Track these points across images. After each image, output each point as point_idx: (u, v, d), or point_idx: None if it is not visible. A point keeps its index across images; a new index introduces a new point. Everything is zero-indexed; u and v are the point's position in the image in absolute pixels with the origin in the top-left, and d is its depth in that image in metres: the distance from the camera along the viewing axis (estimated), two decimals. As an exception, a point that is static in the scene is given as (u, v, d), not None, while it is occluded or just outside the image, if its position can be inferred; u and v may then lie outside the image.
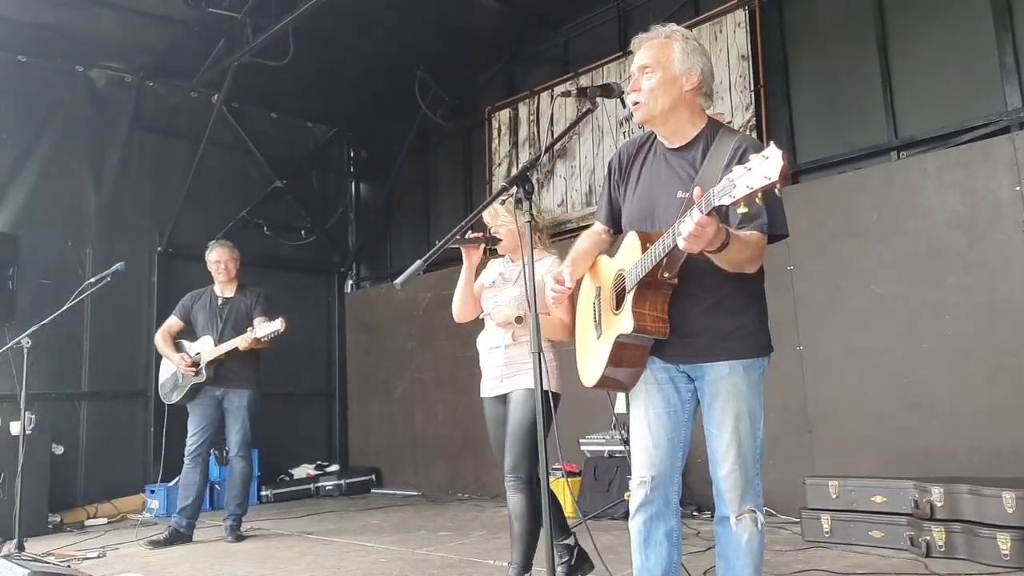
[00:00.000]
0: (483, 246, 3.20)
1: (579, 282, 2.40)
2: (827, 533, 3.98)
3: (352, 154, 8.87)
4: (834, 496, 4.01)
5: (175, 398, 5.02)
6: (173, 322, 5.18)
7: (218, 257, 5.19)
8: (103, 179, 6.75)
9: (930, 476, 3.81)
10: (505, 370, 3.17)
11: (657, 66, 2.21)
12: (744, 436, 2.17)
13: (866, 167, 4.87)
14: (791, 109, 5.25)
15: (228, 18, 6.01)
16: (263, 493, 6.98)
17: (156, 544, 4.73)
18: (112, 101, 6.87)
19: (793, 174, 5.20)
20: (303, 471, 7.45)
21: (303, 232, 8.13)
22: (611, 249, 2.36)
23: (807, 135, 5.20)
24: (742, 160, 1.80)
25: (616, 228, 2.41)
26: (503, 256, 3.35)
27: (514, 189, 2.17)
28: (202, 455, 5.00)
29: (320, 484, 7.34)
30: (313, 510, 6.33)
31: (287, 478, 7.36)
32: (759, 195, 1.67)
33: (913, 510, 3.68)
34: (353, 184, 8.81)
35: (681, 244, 1.85)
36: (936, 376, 4.28)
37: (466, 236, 3.18)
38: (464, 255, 3.24)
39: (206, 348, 4.96)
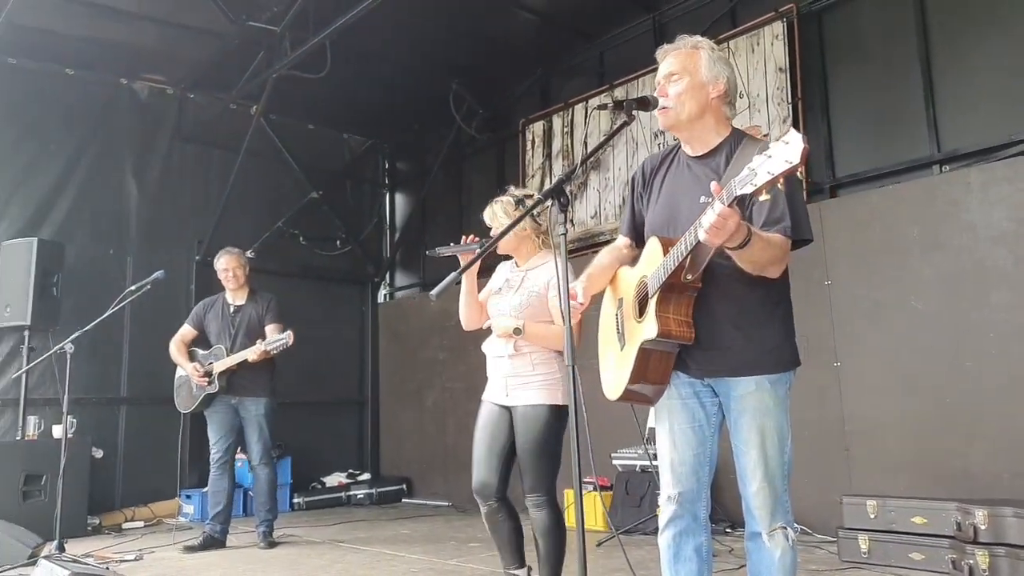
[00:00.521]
0: (478, 251, 2.99)
1: (597, 297, 2.38)
2: (865, 554, 3.90)
3: (387, 165, 8.96)
4: (872, 516, 3.93)
5: (191, 407, 5.06)
6: (186, 331, 5.20)
7: (226, 265, 5.18)
8: (144, 189, 6.90)
9: (973, 498, 3.71)
10: (509, 382, 3.06)
11: (684, 73, 2.23)
12: (772, 453, 2.14)
13: (907, 181, 4.79)
14: (830, 122, 5.19)
15: (267, 31, 6.12)
16: (295, 500, 7.04)
17: (191, 549, 4.80)
18: (154, 112, 7.03)
19: (831, 188, 5.13)
20: (335, 479, 7.50)
21: (338, 242, 8.22)
22: (633, 262, 2.36)
23: (846, 149, 5.13)
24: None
25: (639, 240, 2.40)
26: (511, 259, 3.27)
27: (549, 201, 2.17)
28: (227, 462, 5.04)
29: (351, 492, 7.37)
30: (344, 518, 6.37)
31: (319, 486, 7.41)
32: (781, 181, 1.67)
33: (955, 532, 3.59)
34: (388, 195, 8.89)
35: (702, 236, 1.84)
36: (980, 396, 4.17)
37: (461, 242, 3.12)
38: (461, 263, 3.10)
39: (219, 358, 4.97)
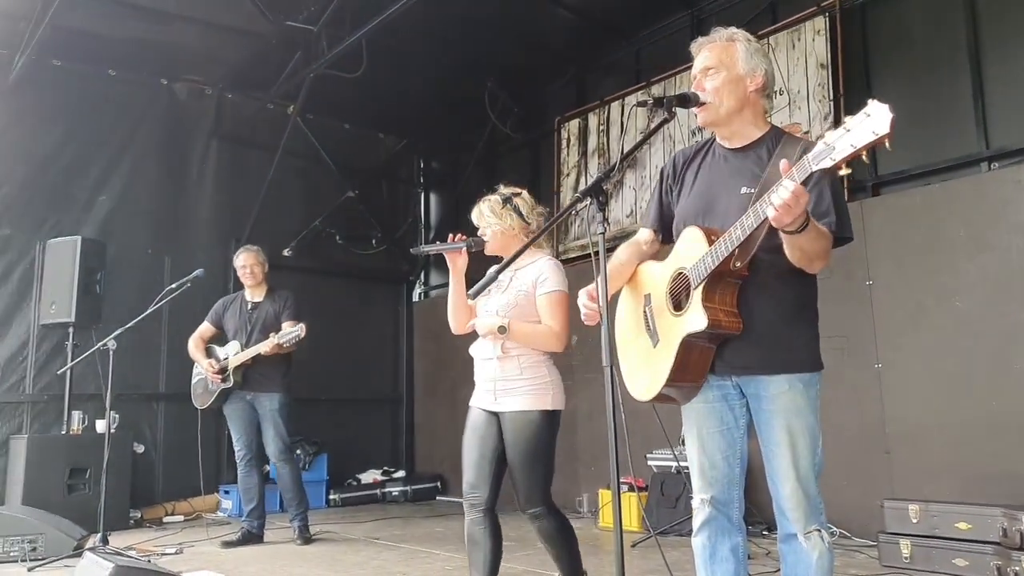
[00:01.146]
0: (465, 249, 3.03)
1: (614, 296, 2.35)
2: (907, 559, 3.82)
3: (422, 165, 8.99)
4: (914, 520, 3.85)
5: (207, 403, 5.09)
6: (205, 328, 5.25)
7: (244, 262, 5.23)
8: (183, 188, 7.00)
9: (1019, 504, 3.61)
10: (497, 386, 2.92)
11: (721, 66, 2.18)
12: (804, 454, 2.10)
13: (953, 179, 4.67)
14: (872, 119, 5.08)
15: (304, 31, 6.18)
16: (331, 497, 7.10)
17: (229, 544, 4.86)
18: (193, 112, 7.13)
19: (874, 186, 5.03)
20: (370, 476, 7.55)
21: (374, 241, 8.28)
22: (656, 256, 2.33)
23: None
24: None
25: (665, 233, 2.37)
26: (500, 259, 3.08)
27: (588, 200, 2.14)
28: (252, 458, 5.08)
29: (386, 490, 7.42)
30: (379, 515, 6.41)
31: (355, 483, 7.46)
32: (864, 154, 1.62)
33: (1001, 538, 3.51)
34: (422, 194, 8.93)
35: (771, 213, 1.79)
36: (1028, 399, 4.06)
37: (448, 241, 3.06)
38: (448, 262, 3.09)
39: (232, 353, 5.01)
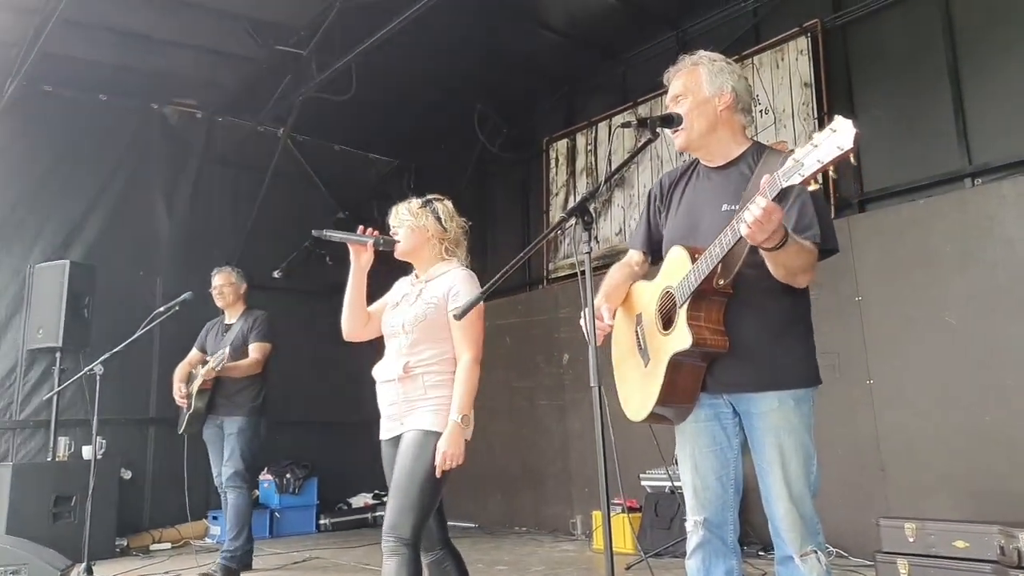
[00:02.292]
0: (371, 244, 2.76)
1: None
2: (903, 578, 3.78)
3: (412, 185, 9.00)
4: (911, 539, 3.82)
5: (181, 428, 4.91)
6: (193, 354, 5.09)
7: (215, 283, 5.13)
8: (174, 211, 6.99)
9: (1016, 521, 3.59)
10: (401, 409, 2.65)
11: (687, 92, 2.26)
12: (797, 473, 2.07)
13: (938, 195, 4.70)
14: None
15: (294, 55, 6.20)
16: (322, 522, 7.02)
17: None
18: (184, 136, 7.14)
19: (860, 202, 5.05)
20: (361, 500, 7.47)
21: (364, 262, 8.25)
22: (648, 276, 2.34)
23: (874, 162, 5.05)
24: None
25: (655, 254, 2.39)
26: (410, 275, 2.91)
27: (573, 220, 2.14)
28: (240, 484, 4.84)
29: (378, 514, 7.33)
30: (371, 540, 6.32)
31: (345, 507, 7.38)
32: (832, 168, 1.65)
33: (999, 557, 3.47)
34: (413, 215, 8.92)
35: (744, 231, 1.81)
36: (1020, 414, 4.05)
37: (357, 233, 2.80)
38: (352, 255, 2.81)
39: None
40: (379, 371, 2.76)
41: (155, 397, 6.58)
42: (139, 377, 6.48)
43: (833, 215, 5.01)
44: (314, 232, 2.85)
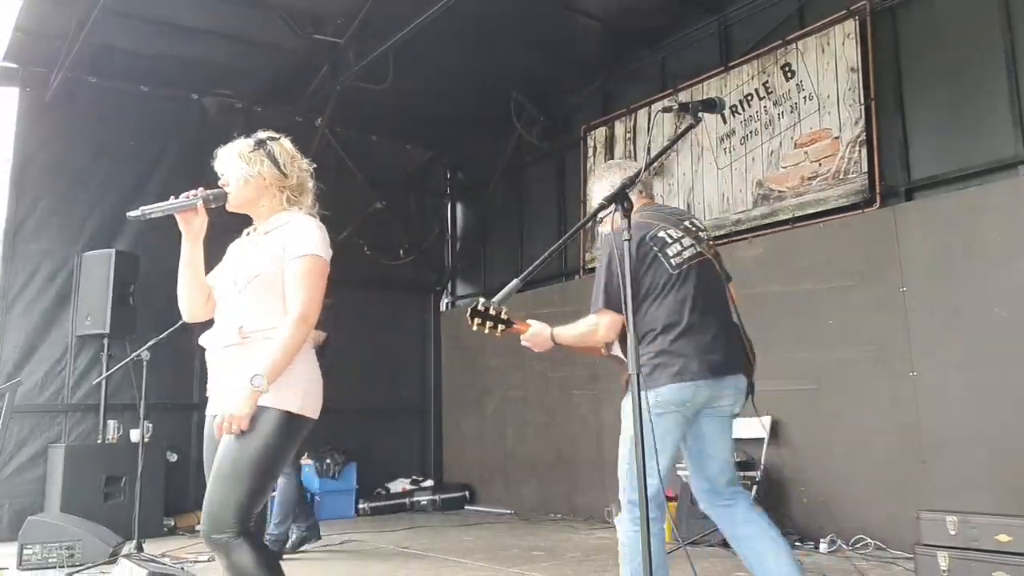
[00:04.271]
0: (200, 204, 2.35)
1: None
2: (945, 572, 3.71)
3: (448, 175, 9.04)
4: (952, 532, 3.75)
5: None
6: None
7: None
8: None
9: (1063, 515, 3.51)
10: (231, 382, 2.22)
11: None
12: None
13: (989, 183, 4.57)
14: (905, 123, 4.99)
15: (332, 44, 6.25)
16: (360, 506, 7.13)
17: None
18: (223, 126, 7.21)
19: (907, 191, 4.94)
20: (399, 485, 7.57)
21: (401, 252, 8.33)
22: None
23: (922, 150, 4.94)
24: None
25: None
26: (248, 230, 2.50)
27: (612, 207, 2.13)
28: (287, 470, 5.00)
29: (415, 499, 7.43)
30: (408, 525, 6.42)
31: (383, 492, 7.49)
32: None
33: (1044, 551, 3.40)
34: (449, 205, 8.97)
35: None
36: (1069, 407, 3.96)
37: (180, 198, 2.36)
38: (181, 224, 2.38)
39: None
40: (208, 338, 2.35)
41: (198, 383, 6.71)
42: (183, 363, 6.61)
43: (878, 204, 4.93)
44: (129, 214, 2.36)
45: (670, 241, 2.71)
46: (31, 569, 4.43)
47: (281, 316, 2.23)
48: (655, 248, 2.68)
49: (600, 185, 2.86)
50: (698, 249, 2.74)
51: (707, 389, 2.62)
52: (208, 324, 2.42)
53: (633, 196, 2.56)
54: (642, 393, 2.06)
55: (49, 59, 6.09)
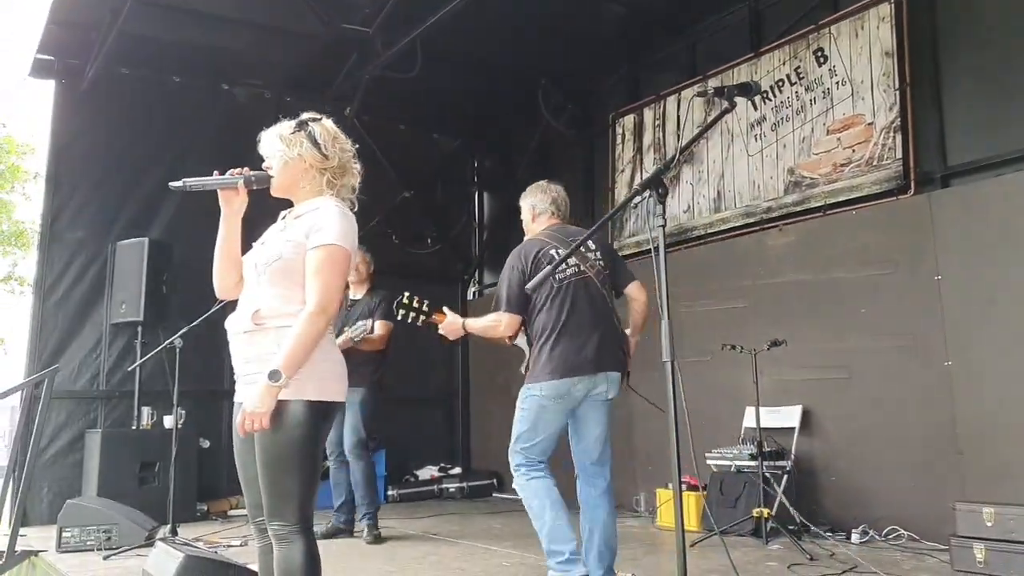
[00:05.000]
0: (242, 184, 2.36)
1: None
2: (981, 564, 3.67)
3: (476, 164, 9.03)
4: (989, 524, 3.70)
5: None
6: None
7: (352, 259, 5.27)
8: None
9: (1103, 507, 3.45)
10: (248, 368, 2.25)
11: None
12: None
13: (1029, 169, 4.48)
14: (941, 108, 4.89)
15: (360, 33, 6.26)
16: (389, 493, 7.19)
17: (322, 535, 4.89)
18: (252, 116, 7.26)
19: (943, 177, 4.85)
20: (427, 472, 7.62)
21: (429, 241, 8.35)
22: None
23: (959, 135, 4.84)
24: None
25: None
26: (284, 213, 2.49)
27: (647, 193, 2.12)
28: (341, 453, 5.07)
29: (443, 486, 7.48)
30: (437, 511, 6.46)
31: (412, 479, 7.54)
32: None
33: (1084, 544, 3.34)
34: (476, 194, 8.97)
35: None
36: (1111, 397, 3.88)
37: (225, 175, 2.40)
38: (221, 201, 2.41)
39: None
40: (230, 322, 2.34)
41: (229, 371, 6.74)
42: (215, 351, 6.68)
43: (913, 191, 4.84)
44: (172, 185, 2.39)
45: (558, 259, 3.13)
46: (70, 551, 4.53)
47: (299, 304, 2.20)
48: (544, 264, 3.20)
49: (526, 201, 3.52)
50: (582, 268, 3.29)
51: (581, 383, 3.18)
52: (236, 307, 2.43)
53: (545, 217, 3.45)
54: (678, 377, 2.06)
55: (83, 51, 6.17)
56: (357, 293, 5.31)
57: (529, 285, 2.72)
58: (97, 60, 6.10)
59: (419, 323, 3.32)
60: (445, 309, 3.42)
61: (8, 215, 14.43)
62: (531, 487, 3.24)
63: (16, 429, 5.59)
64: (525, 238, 3.46)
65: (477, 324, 3.43)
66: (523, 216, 3.53)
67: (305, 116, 2.44)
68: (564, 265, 3.20)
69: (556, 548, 3.11)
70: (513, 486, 3.38)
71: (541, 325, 3.25)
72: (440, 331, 3.42)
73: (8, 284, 14.69)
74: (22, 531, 4.70)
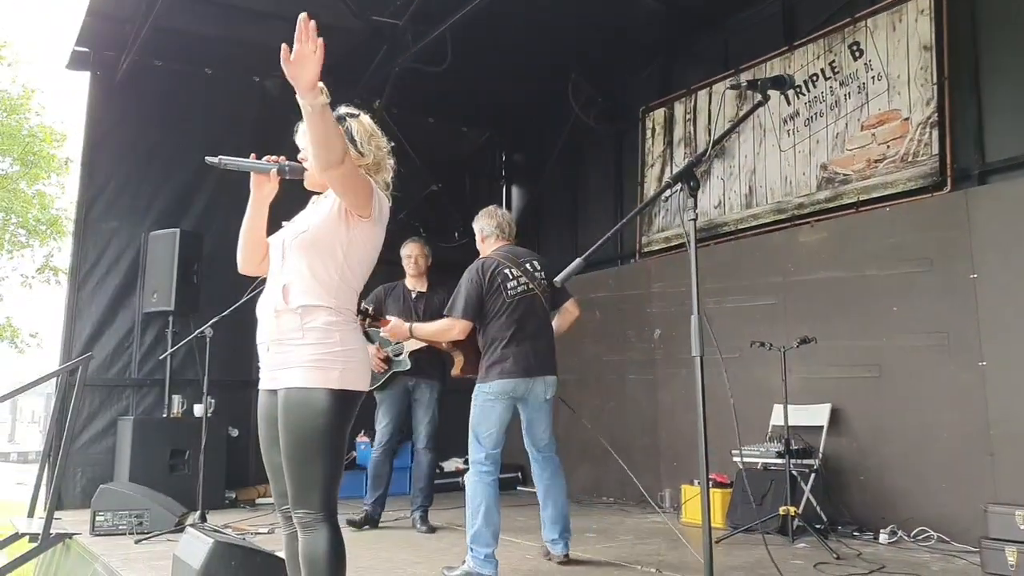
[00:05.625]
0: (275, 172, 2.40)
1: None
2: (1012, 567, 3.61)
3: (504, 158, 9.02)
4: (1022, 527, 3.63)
5: (373, 385, 5.03)
6: None
7: (410, 252, 5.29)
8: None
9: None
10: (276, 352, 2.28)
11: None
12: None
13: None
14: (980, 103, 4.79)
15: (390, 25, 6.28)
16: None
17: (352, 523, 4.97)
18: (283, 108, 7.26)
19: (980, 174, 4.75)
20: (452, 464, 7.65)
21: (456, 234, 8.36)
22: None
23: (998, 131, 4.73)
24: None
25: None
26: (314, 198, 2.55)
27: (678, 186, 2.11)
28: (393, 446, 5.15)
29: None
30: (461, 503, 6.42)
31: (438, 471, 7.55)
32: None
33: (1122, 550, 3.27)
34: (504, 187, 8.96)
35: None
36: None
37: (261, 160, 2.44)
38: (252, 184, 2.46)
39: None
40: (260, 304, 2.39)
41: (257, 360, 6.84)
42: (244, 341, 6.71)
43: (950, 188, 4.75)
44: (208, 159, 2.44)
45: (511, 277, 3.83)
46: (103, 535, 4.62)
47: (326, 284, 2.23)
48: (498, 280, 3.80)
49: (477, 225, 4.13)
50: (531, 286, 3.87)
51: (523, 384, 3.77)
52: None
53: (492, 239, 4.05)
54: (704, 375, 2.05)
55: (118, 43, 6.26)
56: (419, 286, 5.29)
57: (557, 278, 2.64)
58: (131, 52, 6.18)
59: (365, 327, 3.93)
60: (389, 316, 4.11)
61: (44, 206, 14.70)
62: (478, 487, 3.74)
63: (51, 415, 5.71)
64: (479, 256, 4.02)
65: (427, 329, 3.96)
66: (476, 236, 4.14)
67: (343, 111, 2.45)
68: (516, 282, 3.82)
69: (477, 547, 3.65)
70: (464, 478, 3.89)
71: (492, 334, 3.78)
72: (382, 334, 4.03)
73: (44, 274, 14.98)
74: (57, 514, 4.82)
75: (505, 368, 3.73)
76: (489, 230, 4.07)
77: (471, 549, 3.67)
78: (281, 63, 2.01)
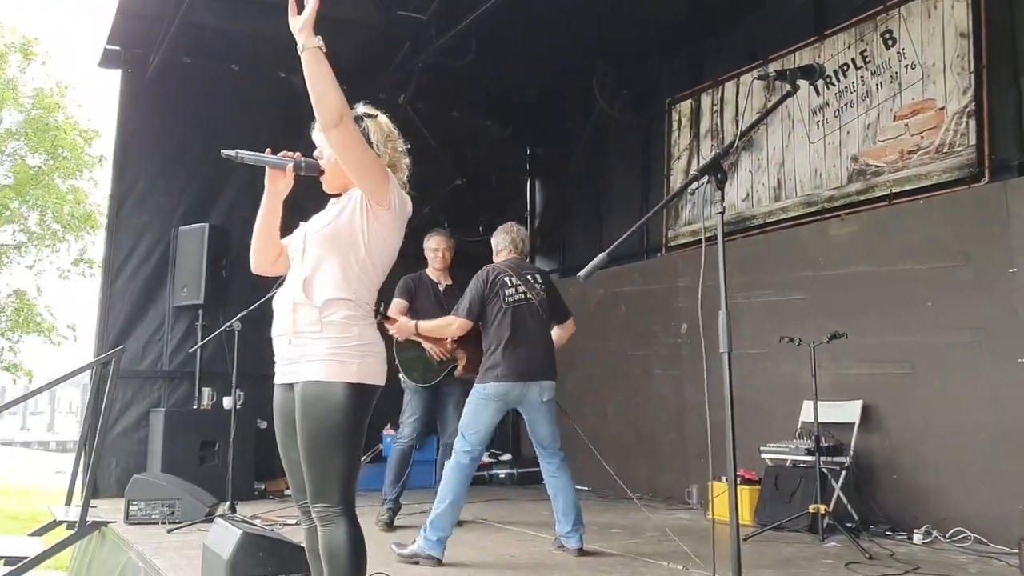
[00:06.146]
0: (291, 167, 2.40)
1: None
2: (1052, 569, 3.52)
3: (528, 152, 9.00)
4: (1062, 528, 3.55)
5: (432, 380, 4.97)
6: (402, 304, 4.97)
7: (436, 245, 5.22)
8: (300, 176, 7.25)
9: None
10: (294, 343, 2.25)
11: None
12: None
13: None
14: (1020, 91, 4.64)
15: (414, 20, 6.27)
16: (440, 477, 7.24)
17: (386, 525, 4.91)
18: (309, 104, 7.32)
19: (1020, 165, 4.62)
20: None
21: (480, 228, 8.34)
22: None
23: (1039, 120, 4.60)
24: None
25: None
26: (333, 200, 2.49)
27: (705, 178, 2.07)
28: (419, 440, 5.09)
29: (493, 472, 7.52)
30: (486, 497, 6.49)
31: (465, 465, 7.58)
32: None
33: None
34: (529, 181, 8.93)
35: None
36: None
37: (278, 155, 2.43)
38: (268, 179, 2.45)
39: None
40: (278, 298, 2.36)
41: (283, 354, 6.92)
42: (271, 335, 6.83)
43: (987, 179, 4.63)
44: (224, 153, 2.41)
45: (509, 285, 4.09)
46: (136, 523, 4.72)
47: (347, 277, 2.24)
48: (498, 287, 4.08)
49: (494, 239, 4.38)
50: (528, 295, 4.12)
51: (517, 388, 3.97)
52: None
53: (504, 252, 4.30)
54: (731, 371, 2.02)
55: (147, 40, 6.33)
56: (444, 279, 5.25)
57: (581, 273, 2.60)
58: (160, 50, 6.25)
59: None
60: (395, 316, 4.35)
61: (79, 201, 14.96)
62: (453, 478, 3.97)
63: (86, 406, 5.81)
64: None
65: (430, 324, 4.21)
66: (493, 250, 4.40)
67: (360, 110, 2.44)
68: (514, 290, 4.08)
69: (433, 529, 3.84)
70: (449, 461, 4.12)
71: (491, 338, 4.03)
72: (390, 333, 4.11)
73: (79, 267, 15.25)
74: (92, 503, 4.93)
75: (500, 372, 3.95)
76: (503, 244, 4.34)
77: (425, 530, 3.87)
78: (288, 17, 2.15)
